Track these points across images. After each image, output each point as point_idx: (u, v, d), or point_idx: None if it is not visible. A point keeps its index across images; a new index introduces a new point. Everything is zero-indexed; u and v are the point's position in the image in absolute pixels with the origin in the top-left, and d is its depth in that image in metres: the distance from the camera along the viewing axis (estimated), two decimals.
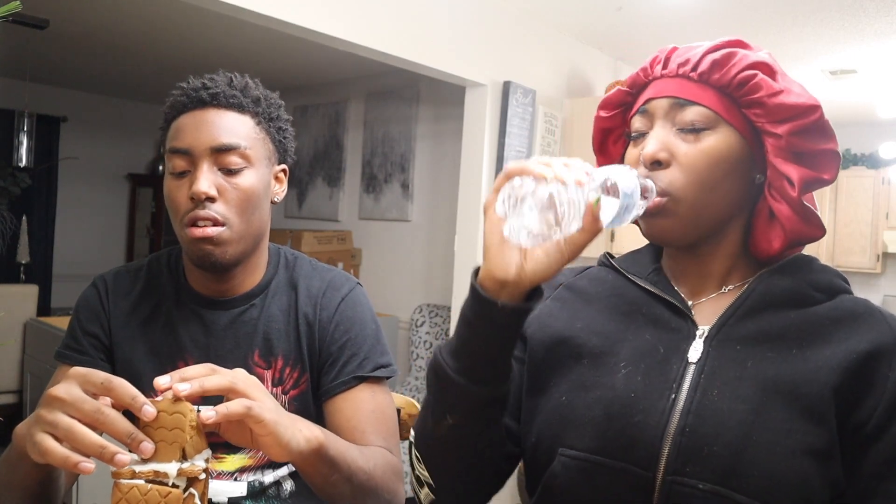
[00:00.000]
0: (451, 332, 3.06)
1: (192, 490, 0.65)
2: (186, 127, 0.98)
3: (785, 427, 0.68)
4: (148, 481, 0.63)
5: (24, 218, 5.01)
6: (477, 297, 0.68)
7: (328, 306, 1.07)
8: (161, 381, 0.66)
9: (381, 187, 4.29)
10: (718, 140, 0.75)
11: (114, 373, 1.03)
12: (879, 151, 5.20)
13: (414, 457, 0.81)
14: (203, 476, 0.66)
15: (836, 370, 0.70)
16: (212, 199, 0.95)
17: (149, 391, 0.68)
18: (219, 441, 1.00)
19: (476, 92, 3.00)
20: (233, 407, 0.69)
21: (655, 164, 0.75)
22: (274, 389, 1.04)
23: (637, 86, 0.82)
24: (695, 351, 0.75)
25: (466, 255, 3.03)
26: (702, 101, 0.75)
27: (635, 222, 0.81)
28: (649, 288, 0.82)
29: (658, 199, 0.74)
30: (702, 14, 3.03)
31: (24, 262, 4.98)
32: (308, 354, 1.06)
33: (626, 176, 0.67)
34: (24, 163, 4.24)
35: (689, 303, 0.80)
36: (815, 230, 0.77)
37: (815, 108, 0.73)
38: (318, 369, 1.06)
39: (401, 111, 4.18)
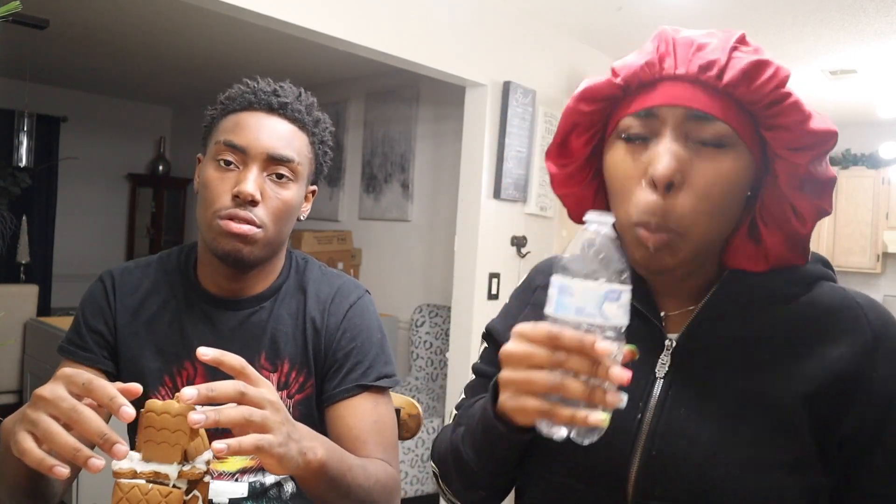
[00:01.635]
0: (451, 332, 3.06)
1: (195, 493, 0.65)
2: (248, 125, 0.99)
3: (755, 443, 0.65)
4: (149, 482, 0.63)
5: (24, 218, 5.02)
6: (493, 428, 0.68)
7: (336, 312, 1.08)
8: (186, 394, 0.64)
9: (381, 187, 4.29)
10: (735, 163, 0.66)
11: (117, 371, 1.03)
12: (879, 151, 5.20)
13: (442, 487, 0.85)
14: (207, 479, 0.66)
15: (810, 379, 0.66)
16: (255, 203, 0.96)
17: (152, 390, 0.68)
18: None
19: (476, 92, 3.00)
20: (245, 444, 0.67)
21: (668, 188, 0.65)
22: (279, 393, 1.04)
23: (637, 81, 0.69)
24: (662, 365, 0.71)
25: (466, 255, 3.03)
26: (725, 118, 0.65)
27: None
28: None
29: (661, 235, 0.66)
30: (702, 14, 3.03)
31: (24, 262, 4.98)
32: (314, 359, 1.06)
33: (622, 301, 0.59)
34: (24, 163, 4.25)
35: (662, 313, 0.75)
36: (799, 258, 0.71)
37: (835, 134, 0.65)
38: (323, 375, 1.06)
39: (401, 111, 4.18)
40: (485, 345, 0.92)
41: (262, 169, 0.98)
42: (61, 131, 5.52)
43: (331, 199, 4.63)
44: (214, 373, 1.01)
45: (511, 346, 0.61)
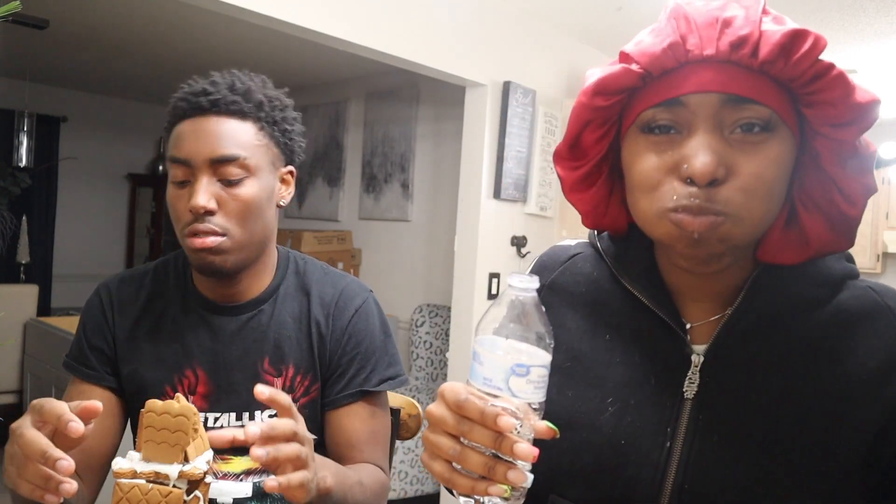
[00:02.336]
0: (451, 332, 3.06)
1: (197, 493, 0.65)
2: (186, 135, 0.95)
3: (795, 472, 0.60)
4: (149, 482, 0.63)
5: (24, 218, 5.01)
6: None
7: (341, 317, 1.07)
8: (251, 430, 0.67)
9: (381, 187, 4.29)
10: (780, 147, 0.59)
11: (119, 384, 1.04)
12: (879, 151, 5.19)
13: None
14: (209, 480, 0.66)
15: (847, 396, 0.61)
16: (211, 213, 0.94)
17: (158, 398, 0.68)
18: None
19: (476, 92, 3.00)
20: (293, 480, 0.71)
21: (711, 183, 0.57)
22: None
23: (659, 68, 0.61)
24: (690, 384, 0.64)
25: (466, 255, 3.03)
26: (764, 100, 0.58)
27: (643, 240, 0.68)
28: (640, 297, 0.68)
29: (707, 218, 0.57)
30: None
31: (24, 262, 4.98)
32: (319, 364, 1.05)
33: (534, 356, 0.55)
34: (24, 163, 4.25)
35: (688, 324, 0.67)
36: (845, 243, 0.64)
37: (879, 104, 0.58)
38: (326, 379, 1.06)
39: (401, 111, 4.18)
40: None
41: (211, 176, 0.94)
42: (61, 131, 5.52)
43: (331, 199, 4.63)
44: (217, 379, 1.02)
45: (431, 407, 0.59)
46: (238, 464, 1.02)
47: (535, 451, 0.54)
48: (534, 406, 0.55)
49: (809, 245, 0.64)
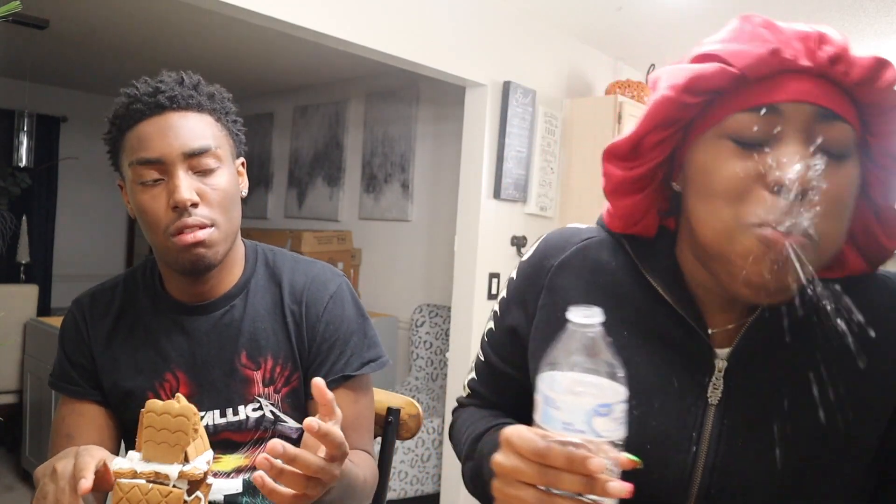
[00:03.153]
0: (451, 332, 3.06)
1: (198, 494, 0.65)
2: (151, 135, 0.94)
3: (820, 475, 0.59)
4: (149, 482, 0.63)
5: (24, 218, 5.01)
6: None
7: (315, 304, 1.06)
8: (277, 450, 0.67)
9: (381, 187, 4.29)
10: (854, 170, 0.58)
11: (104, 396, 1.04)
12: None
13: None
14: (210, 480, 0.66)
15: (871, 394, 0.60)
16: (195, 205, 0.93)
17: (138, 409, 0.69)
18: (217, 440, 1.01)
19: (476, 92, 3.00)
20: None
21: (798, 197, 0.54)
22: (265, 389, 1.04)
23: (756, 73, 0.58)
24: (714, 389, 0.64)
25: (466, 255, 3.03)
26: (851, 120, 0.57)
27: (667, 239, 0.67)
28: (664, 295, 0.66)
29: (797, 238, 0.54)
30: (702, 14, 3.03)
31: (24, 262, 4.97)
32: (298, 353, 1.06)
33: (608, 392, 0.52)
34: (24, 163, 4.24)
35: (710, 330, 0.66)
36: (873, 269, 0.63)
37: None
38: (307, 367, 1.06)
39: (401, 111, 4.18)
40: (491, 324, 0.85)
41: (186, 169, 0.94)
42: (61, 131, 5.52)
43: (331, 199, 4.63)
44: (197, 378, 1.03)
45: (500, 458, 0.55)
46: (228, 462, 1.03)
47: (629, 487, 0.51)
48: (617, 443, 0.53)
49: (843, 268, 0.63)
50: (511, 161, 3.03)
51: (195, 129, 0.95)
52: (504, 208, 3.08)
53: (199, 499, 0.65)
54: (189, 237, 0.93)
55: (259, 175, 5.12)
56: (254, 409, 1.03)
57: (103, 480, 0.68)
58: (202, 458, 0.66)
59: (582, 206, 3.28)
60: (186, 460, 0.65)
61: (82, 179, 5.76)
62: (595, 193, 3.21)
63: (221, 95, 1.03)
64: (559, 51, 3.34)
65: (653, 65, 3.68)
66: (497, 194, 3.00)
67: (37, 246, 5.32)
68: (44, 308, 4.78)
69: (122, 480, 0.63)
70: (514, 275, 0.81)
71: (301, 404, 1.06)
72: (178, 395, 0.67)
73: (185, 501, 0.63)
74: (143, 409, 0.65)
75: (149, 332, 1.04)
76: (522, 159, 3.11)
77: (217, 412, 1.03)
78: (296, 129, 4.87)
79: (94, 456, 0.68)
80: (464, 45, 2.83)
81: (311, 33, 2.33)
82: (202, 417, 1.02)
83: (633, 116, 3.21)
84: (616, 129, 3.15)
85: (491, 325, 0.85)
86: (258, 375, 1.04)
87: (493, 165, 3.00)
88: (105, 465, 0.67)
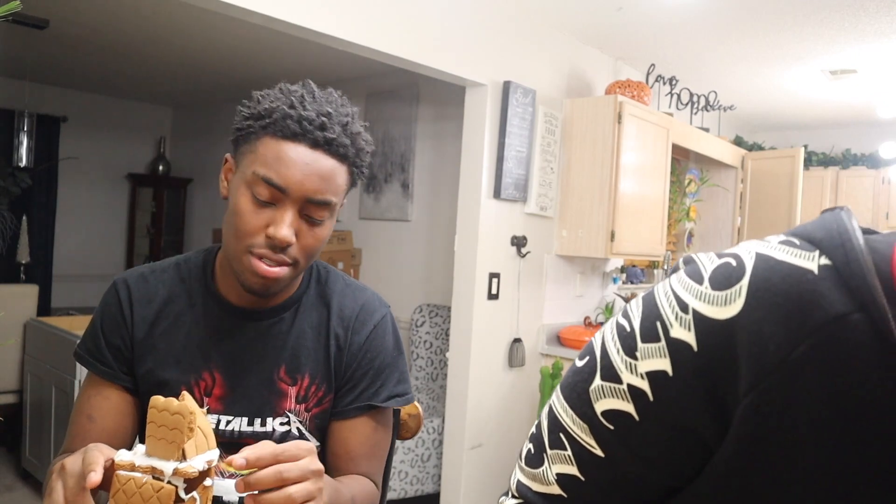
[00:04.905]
0: (451, 332, 3.06)
1: (194, 494, 0.65)
2: (289, 161, 0.91)
3: None
4: (145, 475, 0.64)
5: (24, 218, 5.01)
6: None
7: (360, 331, 1.07)
8: (237, 462, 0.69)
9: (381, 187, 4.29)
10: None
11: (135, 382, 1.03)
12: (879, 151, 5.19)
13: None
14: (209, 482, 0.66)
15: None
16: (289, 245, 0.93)
17: (174, 397, 0.69)
18: (238, 443, 1.01)
19: (476, 92, 3.00)
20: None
21: None
22: (297, 406, 1.04)
23: None
24: None
25: (466, 255, 3.03)
26: None
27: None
28: None
29: None
30: (702, 14, 3.03)
31: (24, 262, 4.97)
32: (335, 375, 1.06)
33: None
34: (24, 163, 4.25)
35: None
36: None
37: None
38: (337, 390, 1.07)
39: (401, 111, 4.18)
40: (626, 406, 0.50)
41: (299, 210, 0.93)
42: (61, 131, 5.52)
43: None
44: (233, 382, 1.02)
45: None
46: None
47: None
48: None
49: None
50: (511, 161, 3.03)
51: (329, 180, 0.93)
52: (504, 208, 3.09)
53: (195, 499, 0.64)
54: (266, 268, 0.93)
55: None
56: (281, 423, 1.03)
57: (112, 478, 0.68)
58: (201, 458, 0.66)
59: (582, 206, 3.28)
60: (184, 458, 0.65)
61: (82, 179, 5.76)
62: (595, 193, 3.21)
63: (367, 151, 1.00)
64: (559, 51, 3.35)
65: (653, 65, 3.68)
66: (497, 194, 3.01)
67: (37, 246, 5.32)
68: (44, 308, 4.78)
69: (121, 472, 0.64)
70: (680, 334, 0.46)
71: (325, 426, 1.07)
72: (183, 393, 0.67)
73: (180, 498, 0.63)
74: (150, 405, 0.66)
75: (194, 327, 1.03)
76: (522, 159, 3.11)
77: (245, 419, 1.02)
78: None
79: (103, 452, 0.68)
80: (464, 45, 2.84)
81: (311, 33, 2.33)
82: (229, 423, 1.02)
83: (633, 116, 3.21)
84: (616, 129, 3.15)
85: (626, 406, 0.50)
86: (293, 391, 1.03)
87: (493, 165, 3.00)
88: (113, 462, 0.67)
